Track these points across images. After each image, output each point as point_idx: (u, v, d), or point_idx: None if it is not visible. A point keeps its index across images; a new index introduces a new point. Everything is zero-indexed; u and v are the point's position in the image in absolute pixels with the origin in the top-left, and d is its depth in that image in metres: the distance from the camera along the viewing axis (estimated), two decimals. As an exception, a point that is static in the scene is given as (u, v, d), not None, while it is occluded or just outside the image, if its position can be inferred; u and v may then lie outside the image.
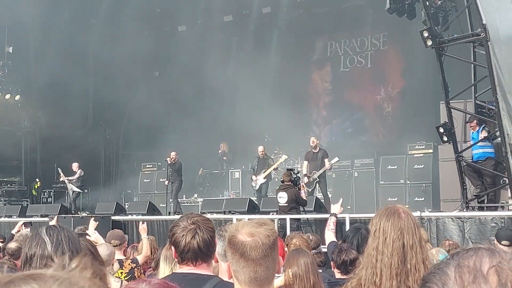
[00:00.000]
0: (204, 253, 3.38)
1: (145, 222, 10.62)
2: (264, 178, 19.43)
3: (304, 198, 14.70)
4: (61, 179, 22.59)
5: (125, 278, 7.95)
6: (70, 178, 21.97)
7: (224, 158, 25.27)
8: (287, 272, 4.98)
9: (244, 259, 2.69)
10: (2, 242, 10.97)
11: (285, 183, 14.53)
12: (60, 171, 22.71)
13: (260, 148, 20.03)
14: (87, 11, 25.66)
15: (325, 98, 26.88)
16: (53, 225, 3.19)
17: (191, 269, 3.41)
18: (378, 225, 3.46)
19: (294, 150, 23.07)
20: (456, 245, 7.78)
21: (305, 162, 18.63)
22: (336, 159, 18.64)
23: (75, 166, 22.16)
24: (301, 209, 14.72)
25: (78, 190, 21.90)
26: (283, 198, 14.37)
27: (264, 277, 2.71)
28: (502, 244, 8.33)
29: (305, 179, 17.97)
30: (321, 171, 18.04)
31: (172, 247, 3.48)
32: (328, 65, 26.78)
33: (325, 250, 7.70)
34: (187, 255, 3.38)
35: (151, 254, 9.39)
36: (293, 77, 25.60)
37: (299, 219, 14.38)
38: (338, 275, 5.78)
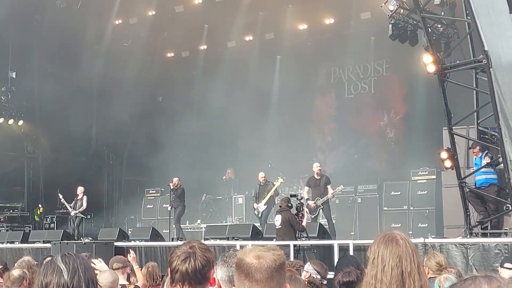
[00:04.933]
0: (191, 277, 3.48)
1: (132, 251, 10.52)
2: (264, 204, 19.11)
3: (304, 224, 14.55)
4: (63, 205, 22.32)
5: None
6: (77, 208, 21.42)
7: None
8: None
9: (248, 280, 2.71)
10: (1, 268, 10.84)
11: (282, 207, 14.62)
12: (61, 196, 22.50)
13: (261, 174, 19.64)
14: (90, 37, 25.79)
15: (330, 124, 26.85)
16: (68, 253, 3.19)
17: None
18: (377, 253, 3.43)
19: (297, 177, 23.03)
20: (459, 274, 7.68)
21: (306, 188, 18.37)
22: (341, 187, 18.22)
23: (80, 190, 21.61)
24: (304, 235, 14.62)
25: (82, 215, 21.67)
26: (278, 220, 14.44)
27: None
28: (505, 267, 8.25)
29: (310, 203, 17.66)
30: (324, 199, 17.76)
31: (168, 268, 3.61)
32: (332, 91, 26.79)
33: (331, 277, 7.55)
34: (175, 275, 3.52)
35: (153, 280, 9.35)
36: (297, 103, 25.62)
37: (299, 246, 14.27)
38: None
